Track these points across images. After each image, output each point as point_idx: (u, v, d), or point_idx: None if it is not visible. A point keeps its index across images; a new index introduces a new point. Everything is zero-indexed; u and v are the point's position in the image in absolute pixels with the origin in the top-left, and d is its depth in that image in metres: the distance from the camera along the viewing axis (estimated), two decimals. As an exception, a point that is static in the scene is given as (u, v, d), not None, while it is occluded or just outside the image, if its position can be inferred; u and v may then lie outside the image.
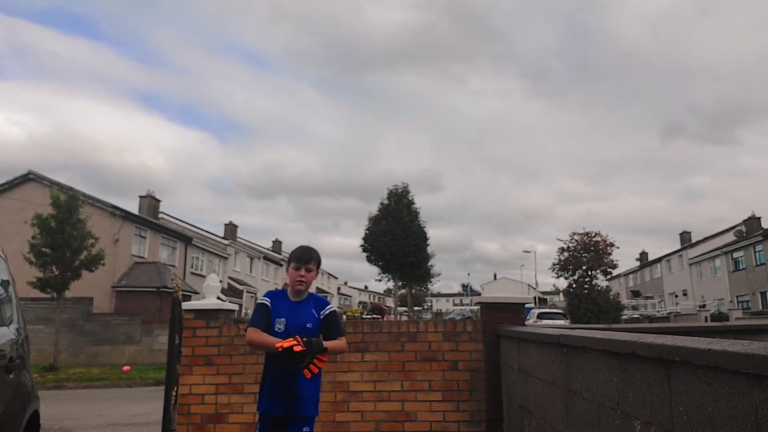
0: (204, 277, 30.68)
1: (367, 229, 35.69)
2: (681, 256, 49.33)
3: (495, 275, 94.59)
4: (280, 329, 3.01)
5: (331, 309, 3.27)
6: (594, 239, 35.24)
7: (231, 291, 35.16)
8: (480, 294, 61.67)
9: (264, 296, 3.19)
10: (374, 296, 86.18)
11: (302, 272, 3.11)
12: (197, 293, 25.23)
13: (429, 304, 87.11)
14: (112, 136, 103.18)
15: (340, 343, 3.17)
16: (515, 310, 5.23)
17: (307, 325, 3.06)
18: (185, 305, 5.57)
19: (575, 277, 35.20)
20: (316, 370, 2.85)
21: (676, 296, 49.09)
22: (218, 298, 5.64)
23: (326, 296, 56.82)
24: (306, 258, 3.15)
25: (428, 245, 36.75)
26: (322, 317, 3.13)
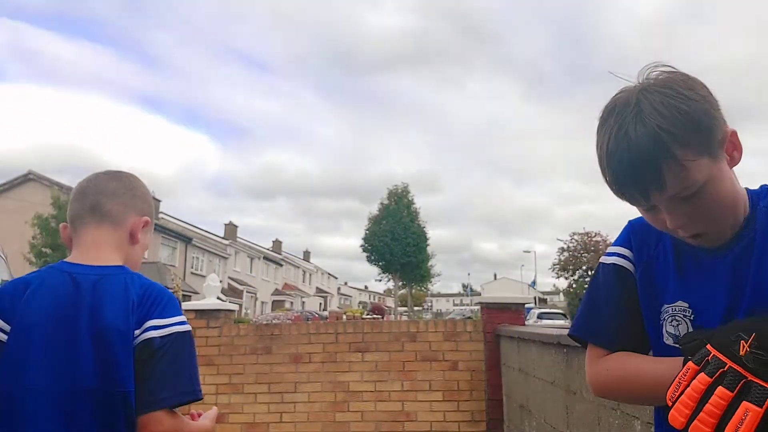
0: (204, 277, 30.69)
1: (367, 229, 35.70)
2: (681, 256, 49.36)
3: (495, 275, 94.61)
4: None
5: None
6: (594, 239, 35.25)
7: (231, 291, 35.15)
8: (480, 294, 61.68)
9: None
10: (374, 296, 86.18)
11: None
12: (197, 293, 25.23)
13: (429, 304, 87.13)
14: (114, 138, 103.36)
15: None
16: (515, 310, 5.23)
17: None
18: (185, 305, 5.58)
19: (575, 278, 35.20)
20: None
21: (676, 296, 49.04)
22: (218, 298, 5.64)
23: (326, 296, 55.96)
24: None
25: (428, 245, 36.78)
26: None
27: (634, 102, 0.82)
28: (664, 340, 0.91)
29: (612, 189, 0.86)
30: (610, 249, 1.01)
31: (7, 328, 1.16)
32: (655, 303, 0.93)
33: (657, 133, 0.78)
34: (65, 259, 1.27)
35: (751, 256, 0.84)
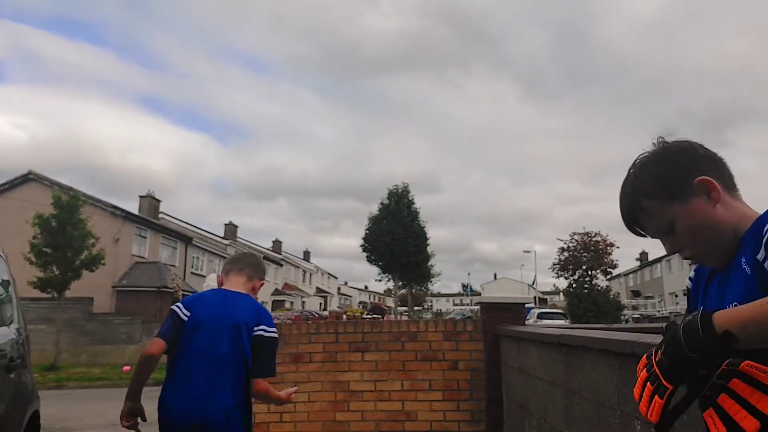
0: (204, 277, 30.66)
1: (367, 229, 35.68)
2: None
3: (495, 275, 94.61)
4: None
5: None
6: (594, 239, 35.24)
7: (231, 291, 35.09)
8: (480, 294, 61.66)
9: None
10: (374, 296, 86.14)
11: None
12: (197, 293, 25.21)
13: (429, 304, 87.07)
14: (115, 138, 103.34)
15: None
16: (515, 310, 5.23)
17: None
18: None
19: (575, 277, 35.20)
20: None
21: (677, 296, 49.04)
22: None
23: (326, 296, 56.07)
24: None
25: (428, 245, 36.77)
26: None
27: (630, 169, 1.16)
28: None
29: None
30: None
31: (188, 314, 2.42)
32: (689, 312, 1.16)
33: (630, 193, 1.14)
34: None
35: (728, 276, 1.06)
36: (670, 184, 1.09)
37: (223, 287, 2.58)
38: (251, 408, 2.46)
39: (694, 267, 1.27)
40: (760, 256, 0.93)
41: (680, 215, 1.08)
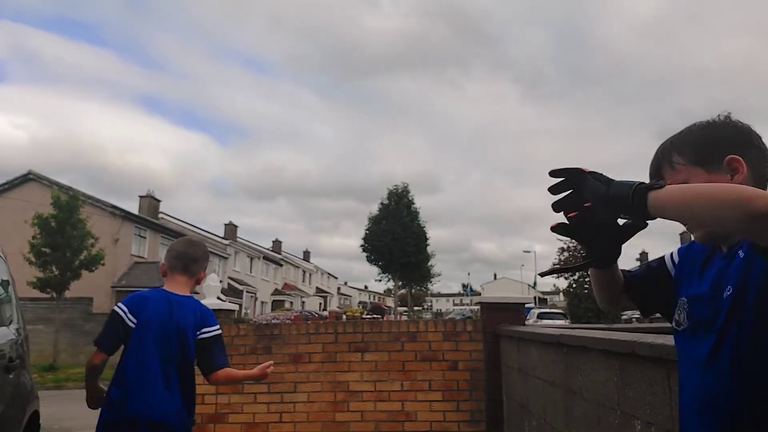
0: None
1: (367, 229, 35.68)
2: (681, 256, 49.29)
3: (495, 275, 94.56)
4: None
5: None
6: (594, 239, 35.20)
7: (231, 291, 35.14)
8: (480, 294, 61.63)
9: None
10: (374, 296, 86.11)
11: None
12: (197, 293, 25.14)
13: (429, 304, 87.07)
14: (115, 139, 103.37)
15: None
16: (515, 310, 5.23)
17: None
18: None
19: (575, 277, 35.17)
20: None
21: (676, 296, 48.95)
22: (218, 298, 5.64)
23: (326, 296, 55.99)
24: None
25: (428, 245, 36.77)
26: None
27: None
28: (674, 324, 1.21)
29: None
30: (673, 251, 1.34)
31: (135, 321, 2.49)
32: (676, 295, 1.23)
33: (667, 144, 1.19)
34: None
35: (730, 265, 1.07)
36: (704, 150, 1.12)
37: (165, 288, 2.61)
38: (194, 406, 2.63)
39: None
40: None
41: (695, 180, 1.10)
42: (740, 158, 1.08)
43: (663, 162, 1.18)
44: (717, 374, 1.01)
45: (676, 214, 0.94)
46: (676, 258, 1.30)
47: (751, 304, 0.97)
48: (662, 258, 1.35)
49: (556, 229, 1.08)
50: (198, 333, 2.54)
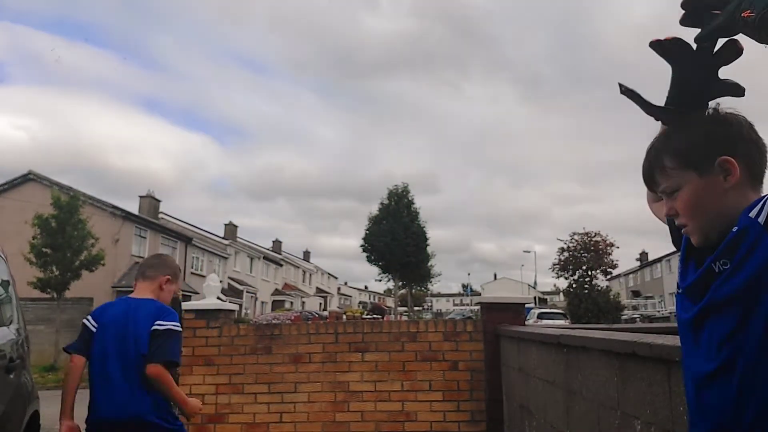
0: (204, 277, 30.66)
1: (367, 229, 35.68)
2: (681, 256, 49.25)
3: (495, 275, 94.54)
4: None
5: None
6: (594, 239, 35.22)
7: (231, 291, 35.15)
8: (480, 294, 61.62)
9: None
10: (374, 296, 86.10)
11: None
12: (197, 293, 25.22)
13: (429, 304, 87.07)
14: (116, 139, 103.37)
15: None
16: (515, 310, 5.23)
17: None
18: (185, 305, 5.57)
19: (575, 277, 35.18)
20: None
21: (677, 296, 48.96)
22: (218, 298, 5.64)
23: (326, 296, 55.94)
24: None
25: (428, 245, 36.76)
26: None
27: (662, 131, 1.18)
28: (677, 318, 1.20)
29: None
30: None
31: (96, 325, 2.62)
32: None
33: (657, 148, 1.15)
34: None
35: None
36: (696, 153, 1.09)
37: (129, 296, 2.76)
38: (168, 403, 2.61)
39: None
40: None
41: (689, 185, 1.08)
42: (732, 159, 1.05)
43: (655, 168, 1.14)
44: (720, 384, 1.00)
45: None
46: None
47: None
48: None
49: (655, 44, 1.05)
50: (151, 327, 2.56)
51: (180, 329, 2.65)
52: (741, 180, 1.05)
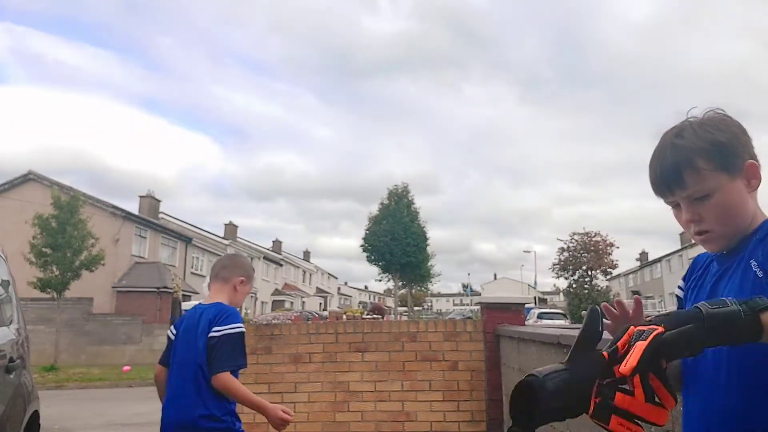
0: (204, 277, 30.67)
1: (367, 229, 35.67)
2: (681, 255, 49.31)
3: (495, 275, 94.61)
4: None
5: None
6: (594, 239, 35.24)
7: (231, 291, 35.10)
8: (480, 294, 61.66)
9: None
10: (374, 296, 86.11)
11: None
12: (197, 293, 25.22)
13: (429, 304, 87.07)
14: (116, 139, 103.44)
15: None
16: (515, 310, 5.23)
17: None
18: (185, 305, 5.57)
19: (575, 277, 35.21)
20: None
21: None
22: (218, 298, 5.63)
23: (326, 296, 55.83)
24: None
25: (428, 245, 36.76)
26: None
27: (680, 126, 1.08)
28: None
29: (651, 185, 1.11)
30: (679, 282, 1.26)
31: (175, 332, 2.66)
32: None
33: (687, 146, 1.04)
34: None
35: (729, 271, 1.05)
36: (729, 154, 1.03)
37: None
38: (226, 410, 2.52)
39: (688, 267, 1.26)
40: None
41: (722, 189, 1.03)
42: (757, 163, 1.04)
43: (684, 168, 1.03)
44: (722, 390, 0.99)
45: None
46: (682, 284, 1.24)
47: None
48: (676, 296, 1.27)
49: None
50: (209, 334, 2.50)
51: (239, 329, 2.52)
52: (756, 187, 1.06)
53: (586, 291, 34.23)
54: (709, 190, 1.03)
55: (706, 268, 1.16)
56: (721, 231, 1.05)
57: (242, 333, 2.53)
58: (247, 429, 5.32)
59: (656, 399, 0.79)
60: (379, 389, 5.17)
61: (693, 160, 1.03)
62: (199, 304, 2.76)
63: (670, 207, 1.13)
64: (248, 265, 2.90)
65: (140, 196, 31.00)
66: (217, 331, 2.49)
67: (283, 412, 2.54)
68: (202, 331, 2.52)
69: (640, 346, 0.75)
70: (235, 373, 2.48)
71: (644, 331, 0.77)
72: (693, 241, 1.11)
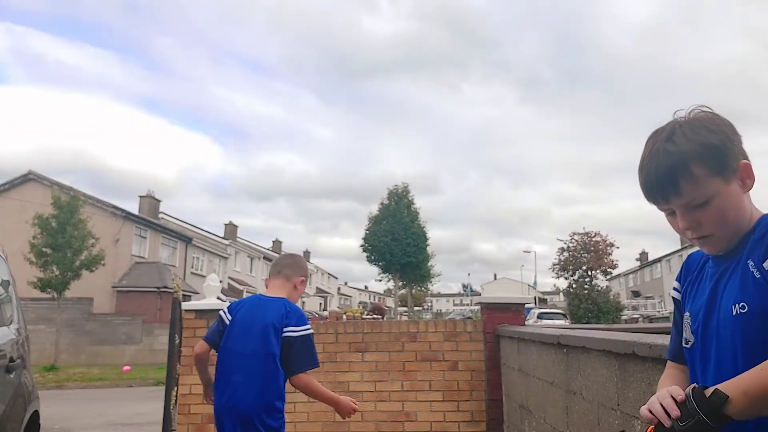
0: (204, 277, 30.66)
1: (367, 230, 35.67)
2: (681, 255, 49.33)
3: (495, 275, 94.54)
4: None
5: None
6: (594, 239, 35.21)
7: (231, 291, 35.14)
8: (480, 294, 61.63)
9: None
10: (374, 296, 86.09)
11: None
12: (197, 293, 25.22)
13: (429, 304, 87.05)
14: (116, 139, 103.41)
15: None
16: (515, 310, 5.23)
17: None
18: (185, 305, 5.57)
19: (575, 278, 35.18)
20: None
21: (677, 296, 48.89)
22: (218, 298, 5.64)
23: (326, 296, 55.88)
24: None
25: (428, 245, 36.75)
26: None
27: (669, 129, 1.04)
28: (683, 343, 1.14)
29: (643, 192, 1.08)
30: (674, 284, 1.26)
31: (230, 318, 2.67)
32: (682, 312, 1.16)
33: (680, 152, 1.00)
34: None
35: (728, 272, 1.04)
36: (724, 157, 1.01)
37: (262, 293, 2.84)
38: (281, 401, 2.65)
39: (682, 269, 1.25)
40: None
41: (719, 194, 1.00)
42: (749, 162, 1.03)
43: (680, 174, 1.00)
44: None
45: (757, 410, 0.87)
46: (677, 285, 1.23)
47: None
48: (672, 298, 1.25)
49: None
50: (282, 331, 2.57)
51: (311, 330, 2.66)
52: (749, 186, 1.04)
53: (586, 291, 34.20)
54: (707, 196, 1.01)
55: (702, 268, 1.14)
56: (722, 234, 1.04)
57: (313, 334, 2.68)
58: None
59: None
60: (379, 389, 5.17)
61: (688, 167, 1.00)
62: (259, 294, 2.83)
63: (663, 213, 1.10)
64: (307, 266, 3.02)
65: (140, 196, 31.01)
66: (294, 332, 2.59)
67: (353, 403, 2.75)
68: (271, 324, 2.58)
69: None
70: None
71: None
72: (691, 253, 1.11)
